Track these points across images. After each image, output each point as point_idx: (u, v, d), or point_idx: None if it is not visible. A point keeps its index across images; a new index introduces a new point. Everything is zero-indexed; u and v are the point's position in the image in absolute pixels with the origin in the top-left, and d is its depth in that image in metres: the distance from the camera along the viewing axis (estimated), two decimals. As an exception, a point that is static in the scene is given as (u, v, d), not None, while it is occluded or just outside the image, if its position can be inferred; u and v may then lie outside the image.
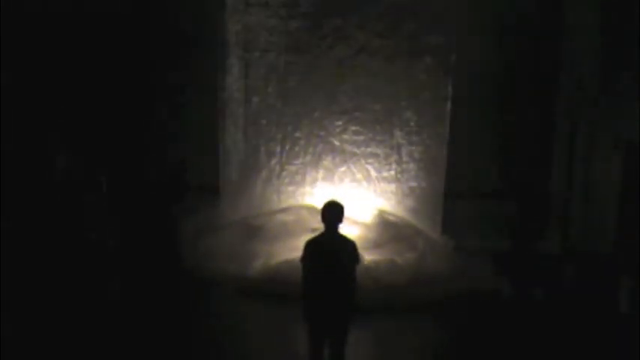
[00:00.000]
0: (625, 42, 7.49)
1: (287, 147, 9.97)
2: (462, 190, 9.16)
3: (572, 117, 8.48)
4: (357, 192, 9.91)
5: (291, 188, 10.04)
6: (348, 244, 5.34)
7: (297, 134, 9.96)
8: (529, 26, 8.91)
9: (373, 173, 9.99)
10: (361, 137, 9.95)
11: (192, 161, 8.87)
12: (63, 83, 8.92)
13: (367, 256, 8.28)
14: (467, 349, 7.02)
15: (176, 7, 9.13)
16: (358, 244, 5.44)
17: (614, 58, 7.70)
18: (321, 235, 5.32)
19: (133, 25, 9.07)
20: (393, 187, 9.98)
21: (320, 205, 5.42)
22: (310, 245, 5.29)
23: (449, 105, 9.45)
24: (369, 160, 9.98)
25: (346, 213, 5.41)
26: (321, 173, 10.00)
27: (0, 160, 8.34)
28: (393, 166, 9.95)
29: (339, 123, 9.95)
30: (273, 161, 9.98)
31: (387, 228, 9.40)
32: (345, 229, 5.54)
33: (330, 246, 5.25)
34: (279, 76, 9.79)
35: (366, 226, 9.38)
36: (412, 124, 9.83)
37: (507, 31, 8.94)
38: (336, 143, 9.98)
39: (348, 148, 9.95)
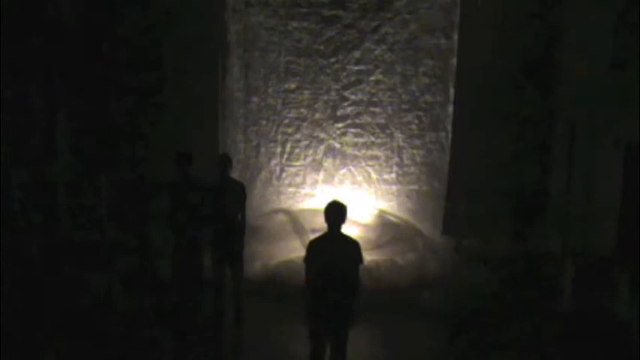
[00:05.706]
0: (625, 41, 7.50)
1: (287, 148, 9.97)
2: (463, 192, 9.15)
3: (573, 117, 8.47)
4: (357, 194, 9.90)
5: (291, 189, 10.03)
6: (351, 245, 5.35)
7: (298, 136, 9.95)
8: (530, 27, 8.90)
9: (374, 175, 9.99)
10: (362, 140, 9.95)
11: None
12: (62, 82, 8.88)
13: (367, 257, 8.28)
14: (467, 350, 7.01)
15: (175, 6, 9.10)
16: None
17: (614, 57, 7.70)
18: (324, 236, 5.33)
19: (131, 24, 9.04)
20: (394, 189, 9.99)
21: (320, 207, 5.44)
22: (313, 245, 5.30)
23: (450, 108, 9.45)
24: (370, 163, 9.98)
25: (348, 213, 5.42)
26: (321, 175, 9.99)
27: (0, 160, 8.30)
28: (394, 168, 9.96)
29: (340, 125, 9.94)
30: (273, 162, 9.97)
31: (388, 228, 9.40)
32: (346, 229, 5.56)
33: (332, 246, 5.26)
34: (279, 77, 9.79)
35: (366, 226, 9.38)
36: (413, 127, 9.84)
37: (508, 33, 8.94)
38: (337, 145, 9.97)
39: (349, 150, 9.94)
